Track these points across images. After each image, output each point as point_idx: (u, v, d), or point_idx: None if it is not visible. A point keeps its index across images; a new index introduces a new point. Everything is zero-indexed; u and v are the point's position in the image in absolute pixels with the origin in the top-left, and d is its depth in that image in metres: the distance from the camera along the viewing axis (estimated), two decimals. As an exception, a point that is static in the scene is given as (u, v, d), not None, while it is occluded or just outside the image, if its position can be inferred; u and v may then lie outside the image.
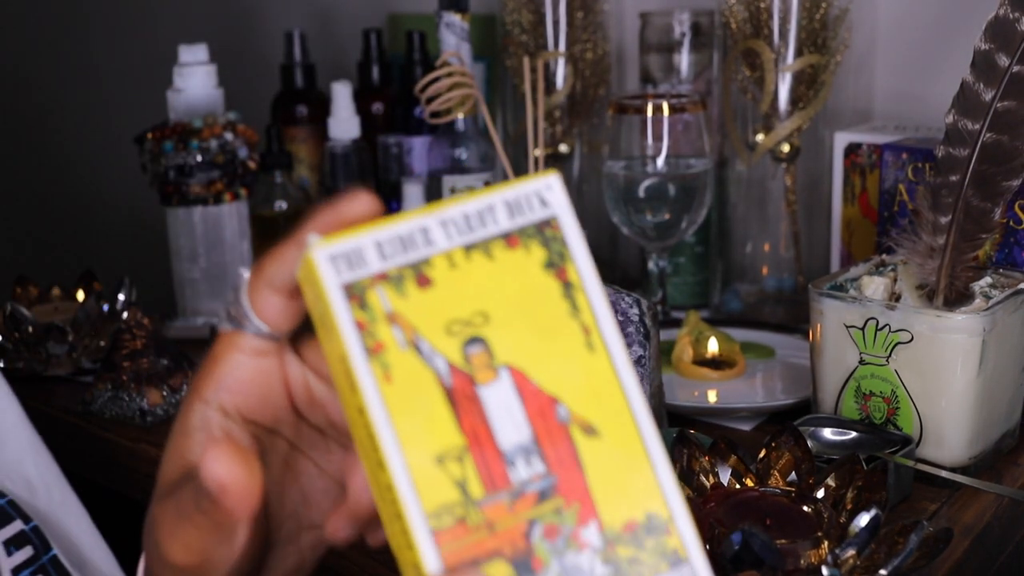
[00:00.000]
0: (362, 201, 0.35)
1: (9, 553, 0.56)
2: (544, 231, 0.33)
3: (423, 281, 0.32)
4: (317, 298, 0.33)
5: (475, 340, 0.32)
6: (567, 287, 0.33)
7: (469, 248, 0.33)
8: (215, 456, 0.33)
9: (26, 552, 0.57)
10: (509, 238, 0.33)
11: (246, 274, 0.38)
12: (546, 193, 0.34)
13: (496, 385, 0.32)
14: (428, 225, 0.32)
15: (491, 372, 0.32)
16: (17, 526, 0.57)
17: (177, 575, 0.38)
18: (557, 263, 0.33)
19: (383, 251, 0.32)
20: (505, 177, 1.07)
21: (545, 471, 0.32)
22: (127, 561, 0.66)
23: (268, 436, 0.41)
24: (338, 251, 0.32)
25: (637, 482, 0.32)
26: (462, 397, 0.32)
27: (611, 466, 0.32)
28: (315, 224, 0.35)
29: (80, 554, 0.63)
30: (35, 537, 0.58)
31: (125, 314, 0.90)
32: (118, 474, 0.84)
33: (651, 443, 0.32)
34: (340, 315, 0.31)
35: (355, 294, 0.32)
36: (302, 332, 0.40)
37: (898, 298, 0.73)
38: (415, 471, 0.31)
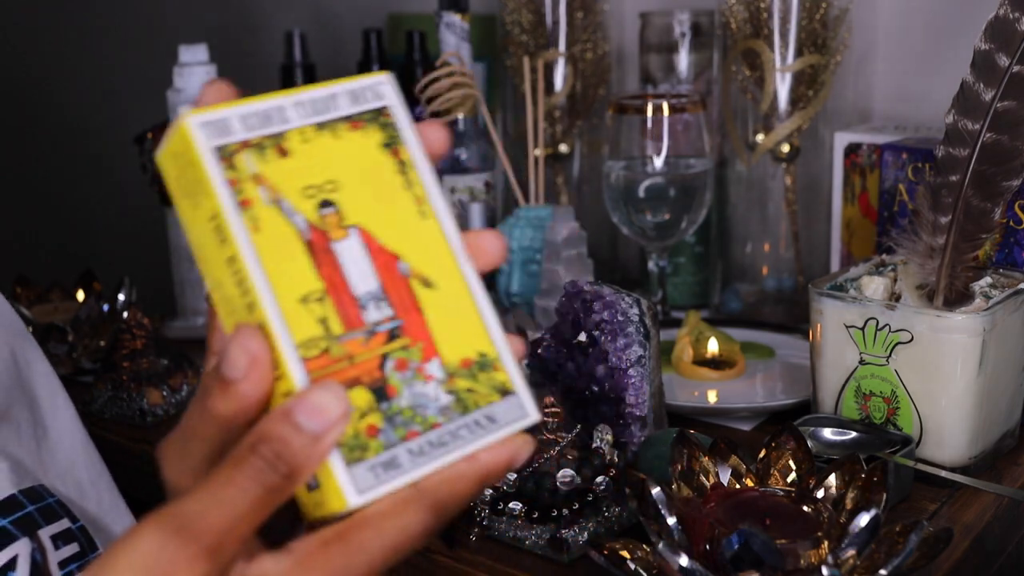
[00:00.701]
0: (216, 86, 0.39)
1: (56, 547, 0.57)
2: (379, 118, 0.38)
3: (282, 151, 0.36)
4: (189, 164, 0.36)
5: (327, 203, 0.37)
6: (401, 165, 0.38)
7: (319, 127, 0.37)
8: (249, 333, 0.35)
9: (72, 548, 0.58)
10: (352, 121, 0.38)
11: None
12: (380, 88, 0.39)
13: (347, 242, 0.37)
14: (284, 105, 0.37)
15: (342, 231, 0.37)
16: (64, 524, 0.58)
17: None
18: (392, 144, 0.38)
19: (247, 123, 0.36)
20: (505, 177, 1.07)
21: (393, 315, 0.36)
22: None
23: None
24: (208, 119, 0.36)
25: (468, 327, 0.37)
26: (319, 250, 0.36)
27: (446, 313, 0.37)
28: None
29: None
30: (81, 536, 0.59)
31: (125, 314, 0.90)
32: (118, 474, 0.84)
33: (478, 296, 0.38)
34: (213, 173, 0.35)
35: (224, 156, 0.36)
36: None
37: (898, 298, 0.73)
38: (284, 308, 0.35)
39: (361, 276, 0.36)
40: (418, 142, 0.39)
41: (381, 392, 0.35)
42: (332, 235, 0.36)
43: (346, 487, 0.34)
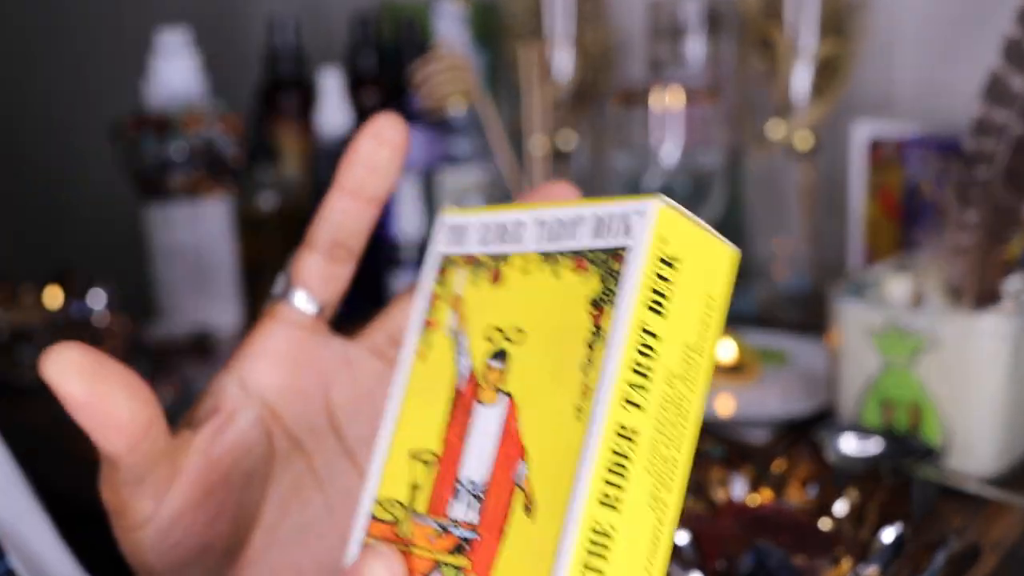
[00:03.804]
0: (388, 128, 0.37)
1: None
2: (610, 262, 0.29)
3: (495, 277, 0.32)
4: None
5: (501, 354, 0.31)
6: (595, 334, 0.29)
7: (545, 257, 0.31)
8: (56, 353, 0.32)
9: None
10: (580, 259, 0.30)
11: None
12: (632, 219, 0.29)
13: (491, 409, 0.31)
14: (525, 220, 0.32)
15: (494, 394, 0.31)
16: None
17: (118, 528, 0.37)
18: (602, 303, 0.29)
19: (483, 235, 0.33)
20: (505, 172, 1.06)
21: (475, 524, 0.30)
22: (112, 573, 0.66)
23: (286, 443, 0.39)
24: (455, 223, 0.34)
25: None
26: (461, 407, 0.31)
27: (524, 558, 0.28)
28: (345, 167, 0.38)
29: (41, 564, 0.63)
30: None
31: (102, 318, 0.90)
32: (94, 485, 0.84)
33: (562, 559, 0.27)
34: (425, 280, 0.34)
35: (443, 267, 0.34)
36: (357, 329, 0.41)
37: (922, 300, 0.72)
38: (392, 453, 0.32)
39: (478, 459, 0.30)
40: (632, 309, 0.28)
41: None
42: (482, 395, 0.31)
43: None
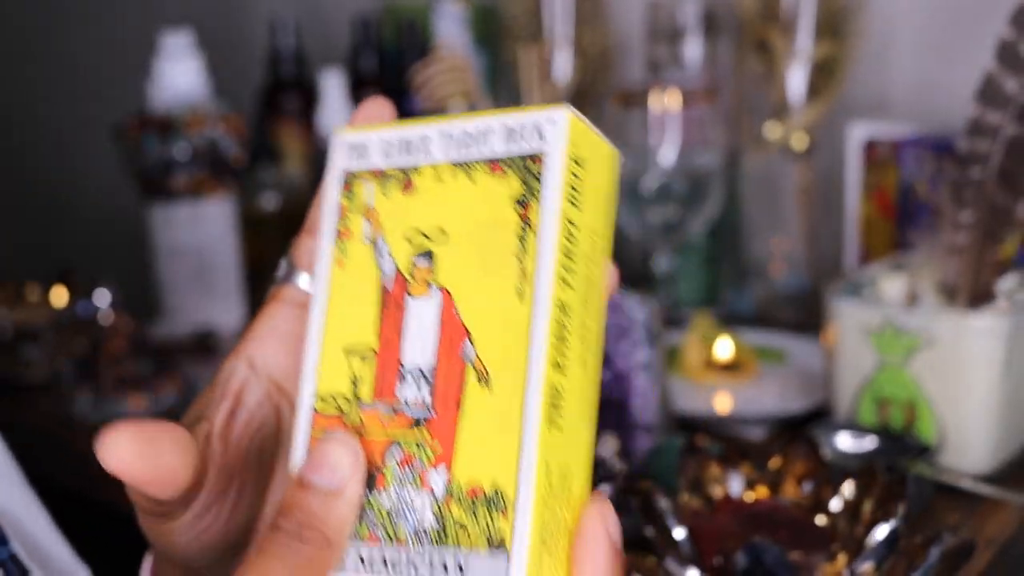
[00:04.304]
0: (376, 105, 0.38)
1: None
2: (528, 165, 0.33)
3: (406, 187, 0.35)
4: None
5: (426, 254, 0.34)
6: (524, 226, 0.32)
7: (456, 165, 0.34)
8: (110, 439, 0.33)
9: None
10: (495, 165, 0.33)
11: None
12: (546, 126, 0.33)
13: (425, 302, 0.33)
14: (430, 134, 0.35)
15: (426, 288, 0.33)
16: None
17: (148, 521, 0.38)
18: (526, 200, 0.32)
19: (386, 150, 0.35)
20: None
21: (429, 403, 0.32)
22: (119, 573, 0.66)
23: (294, 420, 0.41)
24: (354, 141, 0.36)
25: (500, 450, 0.31)
26: (392, 303, 0.34)
27: (486, 422, 0.31)
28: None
29: (40, 551, 0.63)
30: None
31: (106, 317, 0.90)
32: (105, 484, 0.84)
33: (531, 416, 0.31)
34: (330, 195, 0.36)
35: (348, 182, 0.35)
36: None
37: (917, 299, 0.73)
38: (324, 354, 0.34)
39: (419, 345, 0.33)
40: (558, 203, 0.32)
41: (371, 478, 0.32)
42: (413, 290, 0.33)
43: None
